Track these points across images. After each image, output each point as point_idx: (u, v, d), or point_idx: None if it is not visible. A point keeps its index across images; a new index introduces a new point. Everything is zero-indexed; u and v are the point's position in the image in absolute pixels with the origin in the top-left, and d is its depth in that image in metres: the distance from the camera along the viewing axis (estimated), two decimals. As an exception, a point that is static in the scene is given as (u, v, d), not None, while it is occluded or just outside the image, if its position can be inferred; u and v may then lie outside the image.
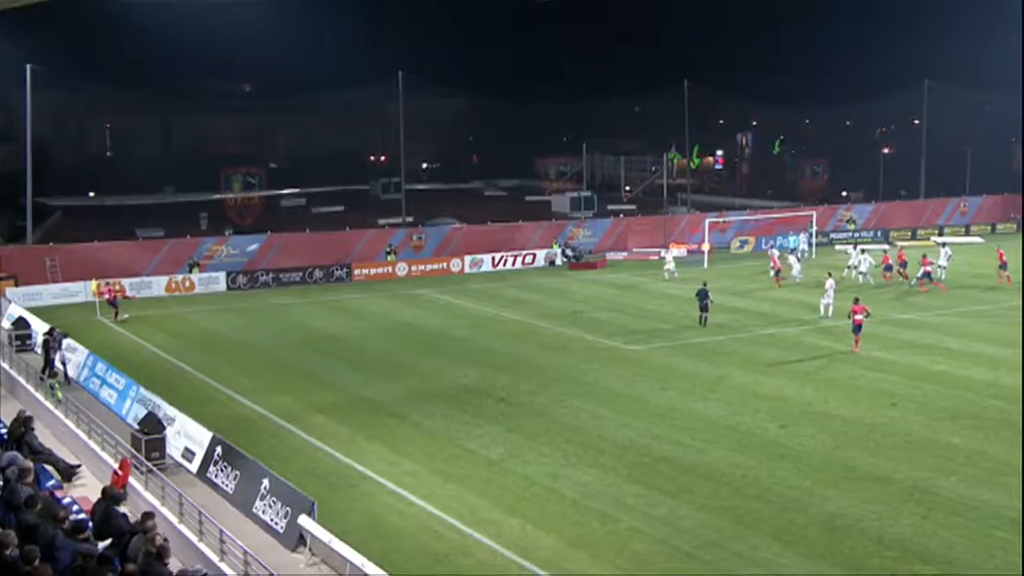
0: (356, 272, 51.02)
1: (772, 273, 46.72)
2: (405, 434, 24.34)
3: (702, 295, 36.68)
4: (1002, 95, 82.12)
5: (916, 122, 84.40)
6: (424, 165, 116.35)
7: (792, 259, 48.68)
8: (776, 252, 48.69)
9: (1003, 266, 45.47)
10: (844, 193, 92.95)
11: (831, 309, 37.53)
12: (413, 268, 52.52)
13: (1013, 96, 77.34)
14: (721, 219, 62.12)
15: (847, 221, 65.89)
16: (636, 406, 26.53)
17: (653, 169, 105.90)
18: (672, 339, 35.11)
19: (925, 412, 25.58)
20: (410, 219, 63.85)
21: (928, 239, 64.81)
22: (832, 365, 30.77)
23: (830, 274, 39.49)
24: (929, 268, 44.62)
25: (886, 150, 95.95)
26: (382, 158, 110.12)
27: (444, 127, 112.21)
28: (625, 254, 58.31)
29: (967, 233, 67.77)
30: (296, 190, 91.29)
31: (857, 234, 64.45)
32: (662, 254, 51.50)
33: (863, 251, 48.38)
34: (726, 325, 37.08)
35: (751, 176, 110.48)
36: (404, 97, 60.11)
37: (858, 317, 32.74)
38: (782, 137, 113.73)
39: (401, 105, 60.40)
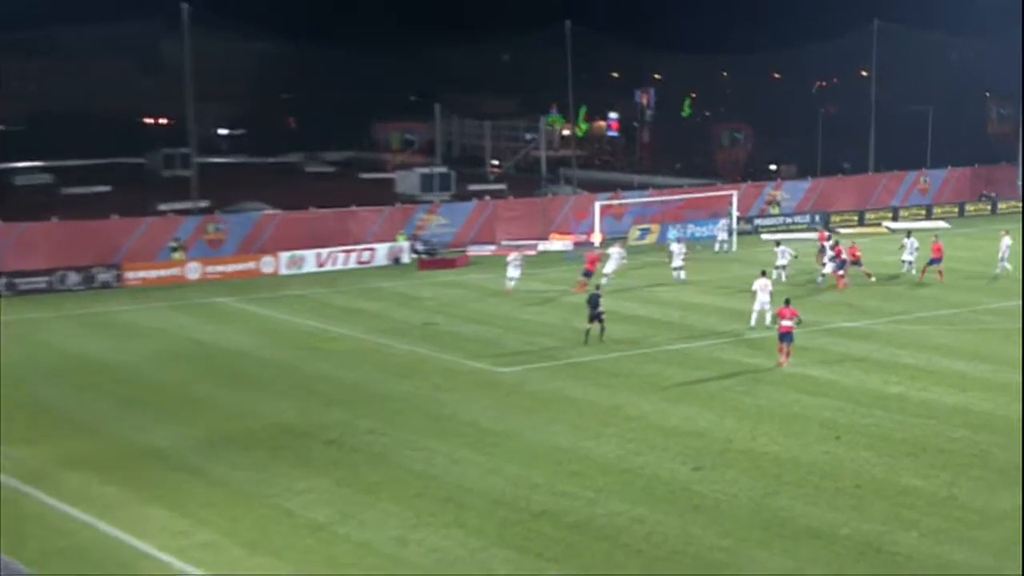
0: (128, 275, 49.90)
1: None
2: (199, 493, 23.90)
3: (594, 302, 37.43)
4: (971, 38, 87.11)
5: (864, 74, 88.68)
6: (223, 131, 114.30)
7: (675, 249, 49.59)
8: (674, 246, 49.88)
9: (935, 261, 48.02)
10: (773, 167, 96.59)
11: (768, 317, 38.94)
12: (209, 269, 51.73)
13: (986, 40, 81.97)
14: (616, 201, 63.45)
15: (771, 204, 68.28)
16: (509, 446, 26.76)
17: (528, 138, 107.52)
18: (556, 358, 35.60)
19: (878, 447, 26.73)
20: (204, 204, 62.63)
21: (879, 225, 67.97)
22: (759, 389, 31.81)
23: (764, 272, 41.00)
24: (846, 257, 47.02)
25: (826, 110, 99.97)
26: (162, 121, 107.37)
27: (249, 80, 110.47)
28: (493, 248, 58.87)
29: (928, 216, 71.28)
30: (38, 163, 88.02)
31: (786, 220, 66.93)
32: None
33: (825, 248, 49.51)
34: (624, 339, 37.83)
35: (654, 146, 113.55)
36: (190, 37, 58.84)
37: (785, 323, 33.98)
38: (693, 95, 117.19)
39: (187, 47, 59.10)
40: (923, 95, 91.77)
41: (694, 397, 31.00)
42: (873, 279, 47.93)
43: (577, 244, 58.78)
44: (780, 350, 34.21)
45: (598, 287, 38.82)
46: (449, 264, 54.82)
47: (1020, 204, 73.77)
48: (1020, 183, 76.49)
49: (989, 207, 73.54)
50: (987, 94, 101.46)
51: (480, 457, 26.01)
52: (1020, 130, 77.51)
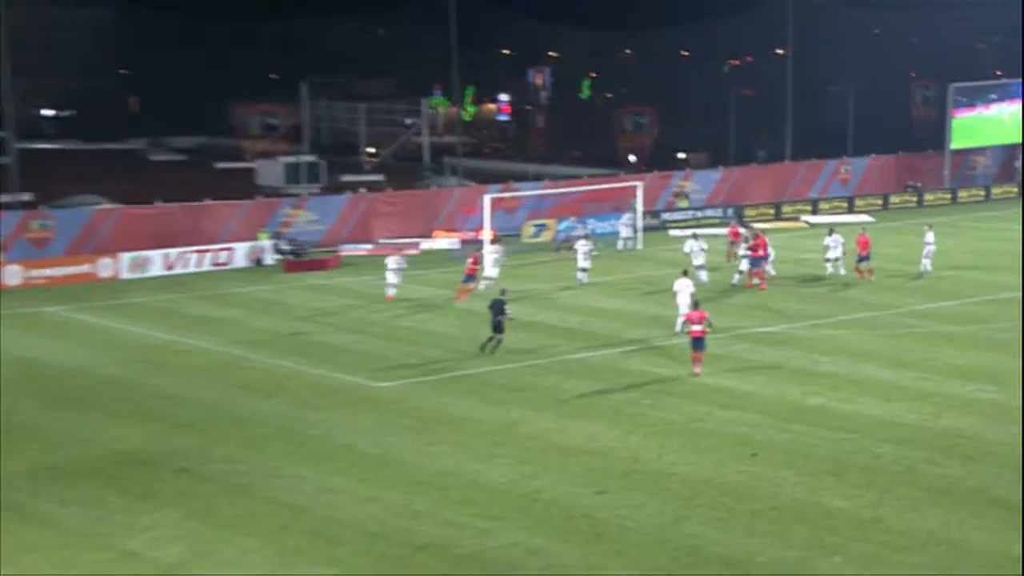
0: (-64, 280, 48.55)
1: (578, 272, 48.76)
2: (21, 535, 23.28)
3: (497, 308, 37.48)
4: (896, 12, 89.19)
5: (780, 52, 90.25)
6: (47, 112, 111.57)
7: (581, 248, 49.42)
8: (580, 244, 49.99)
9: (863, 259, 49.09)
10: (681, 155, 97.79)
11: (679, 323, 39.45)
12: (33, 273, 50.61)
13: (911, 15, 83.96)
14: (508, 194, 63.65)
15: (680, 196, 69.17)
16: (388, 471, 26.64)
17: (408, 122, 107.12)
18: (442, 371, 35.59)
19: (797, 465, 27.19)
20: (26, 197, 61.01)
21: (797, 219, 69.30)
22: (668, 402, 32.17)
23: (685, 272, 41.47)
24: (762, 253, 47.91)
25: (739, 92, 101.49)
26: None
27: (82, 53, 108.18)
28: (370, 247, 58.59)
29: (851, 210, 72.99)
30: None
31: (696, 214, 67.91)
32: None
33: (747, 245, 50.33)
34: (519, 348, 37.92)
35: (550, 132, 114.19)
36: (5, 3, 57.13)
37: (695, 328, 34.48)
38: (593, 74, 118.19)
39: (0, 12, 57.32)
40: (844, 75, 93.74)
41: (597, 412, 31.18)
42: (773, 272, 48.66)
43: (465, 242, 58.76)
44: (694, 358, 34.66)
45: (503, 292, 38.81)
46: (319, 266, 54.37)
47: (949, 196, 75.99)
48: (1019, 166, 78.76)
49: (915, 199, 75.41)
50: (912, 75, 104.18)
51: (355, 484, 25.81)
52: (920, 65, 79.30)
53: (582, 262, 49.19)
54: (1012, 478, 25.94)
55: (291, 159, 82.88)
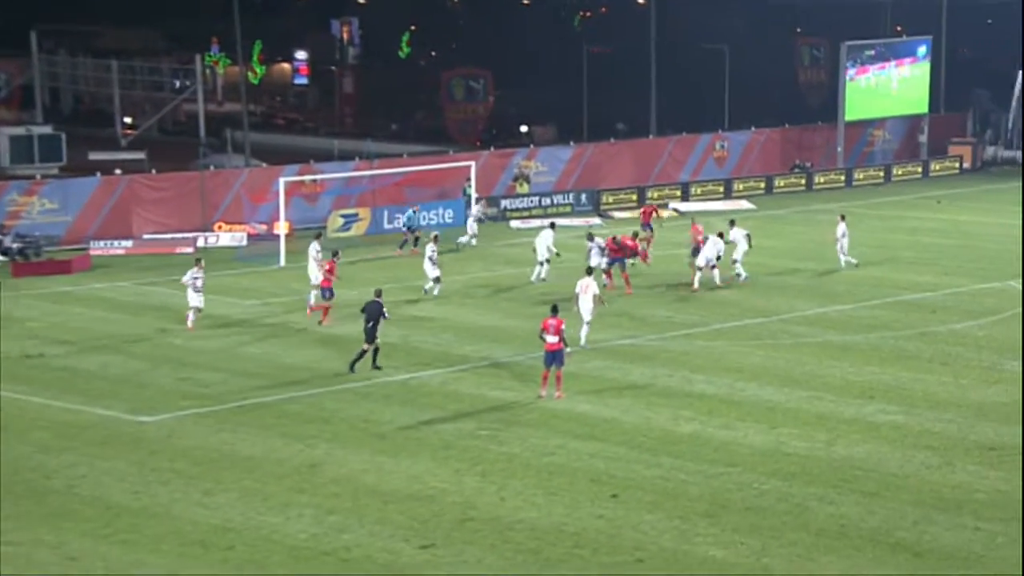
0: None
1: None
2: None
3: (372, 311, 37.36)
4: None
5: (640, 1, 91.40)
6: None
7: (430, 251, 48.72)
8: (429, 247, 49.28)
9: (696, 250, 49.63)
10: (524, 129, 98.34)
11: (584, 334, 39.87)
12: None
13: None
14: (308, 177, 63.29)
15: (519, 181, 69.53)
16: (153, 529, 26.26)
17: (178, 85, 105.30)
18: (224, 399, 35.28)
19: (666, 507, 27.59)
20: None
21: (666, 206, 70.22)
22: (511, 433, 32.38)
23: (589, 270, 42.04)
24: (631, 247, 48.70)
25: (594, 51, 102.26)
26: None
27: None
28: (130, 244, 57.64)
29: (728, 194, 74.51)
30: None
31: (541, 201, 68.41)
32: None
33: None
34: (325, 371, 37.96)
35: (361, 99, 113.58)
36: None
37: (550, 339, 34.63)
38: (413, 27, 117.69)
39: None
40: (718, 31, 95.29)
41: (423, 447, 31.22)
42: (633, 263, 49.49)
43: (254, 237, 58.29)
44: (545, 377, 34.94)
45: (379, 292, 38.59)
46: (60, 268, 53.26)
47: (843, 177, 78.08)
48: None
49: (804, 181, 77.25)
50: (798, 30, 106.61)
51: (108, 548, 25.36)
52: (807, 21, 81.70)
53: (432, 270, 47.62)
54: (918, 516, 26.84)
55: (19, 130, 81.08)
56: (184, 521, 26.76)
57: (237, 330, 43.18)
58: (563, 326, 34.94)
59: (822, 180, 77.60)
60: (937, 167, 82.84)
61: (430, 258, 47.59)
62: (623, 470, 29.65)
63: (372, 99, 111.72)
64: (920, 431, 32.42)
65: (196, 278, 43.30)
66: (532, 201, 68.28)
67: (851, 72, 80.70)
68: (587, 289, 39.91)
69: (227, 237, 59.25)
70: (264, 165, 68.30)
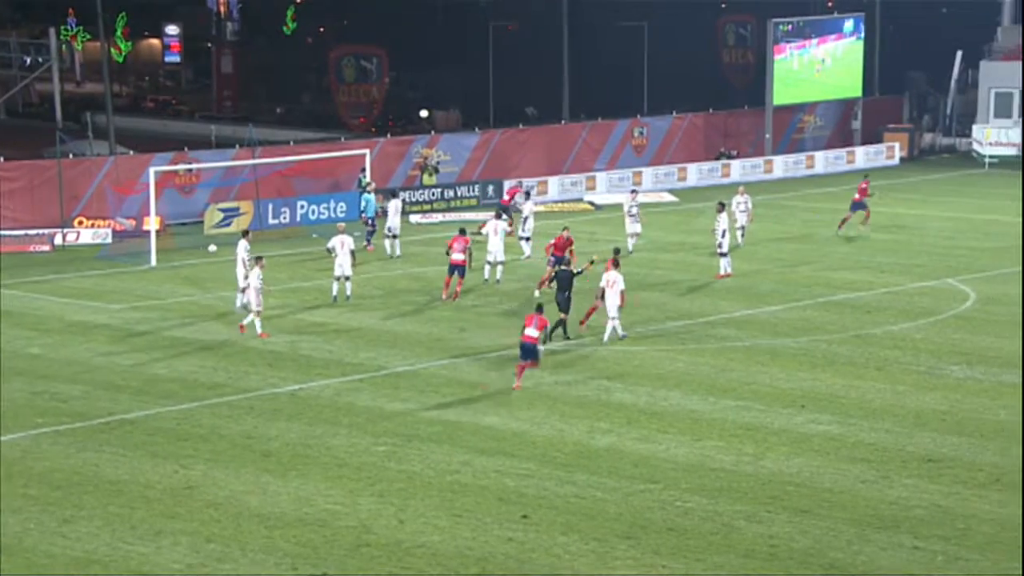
0: None
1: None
2: None
3: (564, 280, 40.04)
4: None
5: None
6: None
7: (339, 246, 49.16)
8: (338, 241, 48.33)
9: (559, 260, 49.41)
10: (424, 113, 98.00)
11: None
12: None
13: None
14: (182, 167, 62.66)
15: (426, 170, 69.23)
16: (4, 565, 25.74)
17: (28, 62, 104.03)
18: (87, 415, 34.76)
19: (581, 528, 27.52)
20: None
21: (581, 201, 70.27)
22: (411, 449, 32.20)
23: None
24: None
25: (501, 27, 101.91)
26: None
27: None
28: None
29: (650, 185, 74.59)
30: None
31: (445, 194, 68.15)
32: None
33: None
34: (203, 381, 37.62)
35: (242, 79, 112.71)
36: None
37: (529, 332, 36.50)
38: (298, 0, 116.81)
39: None
40: (636, 7, 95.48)
41: (313, 466, 30.99)
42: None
43: (120, 233, 57.64)
44: (520, 369, 36.50)
45: (567, 262, 39.15)
46: None
47: (761, 164, 78.59)
48: None
49: (729, 170, 77.61)
50: (723, 6, 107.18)
51: (-35, 582, 24.91)
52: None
53: (342, 267, 47.10)
54: (853, 535, 26.96)
55: None
56: (39, 554, 26.25)
57: (101, 337, 42.58)
58: (547, 325, 37.22)
59: (748, 169, 77.93)
60: (871, 155, 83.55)
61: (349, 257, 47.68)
62: (534, 488, 29.59)
63: (254, 80, 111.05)
64: (855, 442, 32.60)
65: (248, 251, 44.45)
66: (434, 194, 68.12)
67: (779, 53, 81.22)
68: (613, 284, 40.98)
69: (89, 234, 58.48)
70: (131, 153, 67.58)
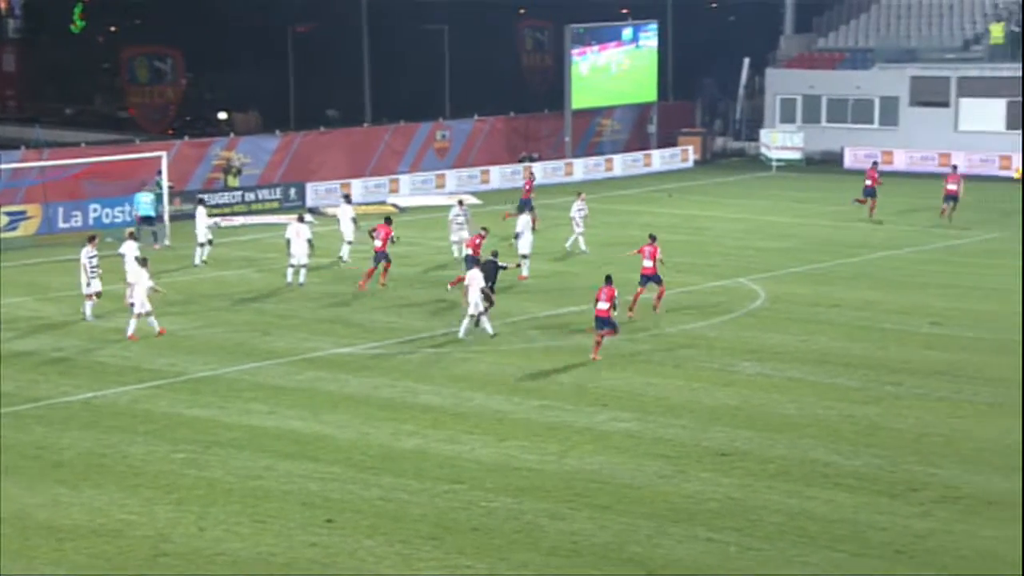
0: None
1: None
2: None
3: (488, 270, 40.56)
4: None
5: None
6: None
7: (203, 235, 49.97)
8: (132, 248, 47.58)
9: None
10: (223, 115, 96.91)
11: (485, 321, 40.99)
12: None
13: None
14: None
15: (229, 172, 68.83)
16: None
17: None
18: None
19: (386, 530, 27.57)
20: None
21: (384, 204, 70.32)
22: (212, 454, 31.94)
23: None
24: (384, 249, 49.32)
25: (298, 29, 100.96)
26: None
27: None
28: None
29: (446, 188, 74.98)
30: None
31: (246, 196, 67.77)
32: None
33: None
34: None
35: (28, 79, 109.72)
36: None
37: (601, 306, 39.68)
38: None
39: None
40: (437, 9, 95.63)
41: (108, 475, 30.54)
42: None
43: None
44: (598, 339, 39.88)
45: (495, 253, 39.81)
46: None
47: (562, 166, 79.53)
48: None
49: (523, 171, 78.15)
50: (521, 11, 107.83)
51: None
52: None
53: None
54: (652, 529, 27.35)
55: None
56: None
57: None
58: (615, 294, 39.59)
59: (547, 173, 78.64)
60: (666, 159, 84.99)
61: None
62: (339, 492, 29.59)
63: (40, 79, 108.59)
64: (653, 439, 33.11)
65: (92, 257, 43.24)
66: (235, 196, 67.66)
67: (576, 57, 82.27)
68: (476, 281, 41.89)
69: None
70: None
